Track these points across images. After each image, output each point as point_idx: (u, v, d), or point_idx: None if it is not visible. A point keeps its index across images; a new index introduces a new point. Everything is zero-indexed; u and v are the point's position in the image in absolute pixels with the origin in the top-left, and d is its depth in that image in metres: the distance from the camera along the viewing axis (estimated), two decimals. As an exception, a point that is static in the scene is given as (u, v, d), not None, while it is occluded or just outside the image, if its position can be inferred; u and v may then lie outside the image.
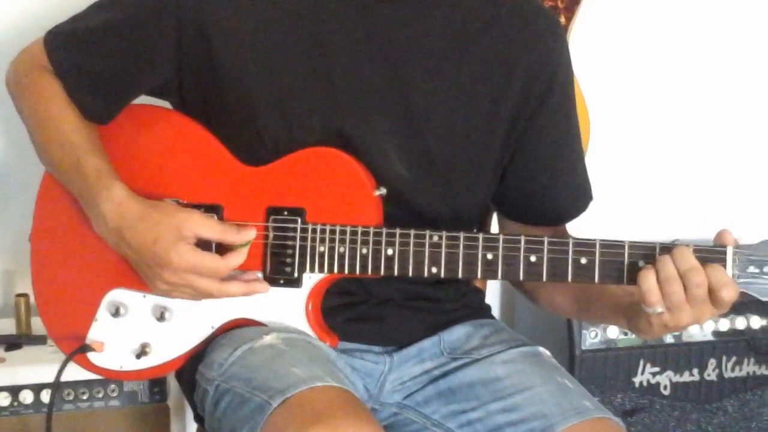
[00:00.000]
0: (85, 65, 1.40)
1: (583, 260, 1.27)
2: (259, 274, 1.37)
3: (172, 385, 1.74)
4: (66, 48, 1.41)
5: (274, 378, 1.25)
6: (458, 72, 1.39)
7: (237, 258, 1.33)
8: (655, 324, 1.25)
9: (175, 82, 1.42)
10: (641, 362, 2.00)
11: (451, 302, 1.49)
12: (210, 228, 1.32)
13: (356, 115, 1.37)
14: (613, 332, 1.98)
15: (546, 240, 1.29)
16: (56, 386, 1.46)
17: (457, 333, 1.48)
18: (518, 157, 1.44)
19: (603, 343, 1.98)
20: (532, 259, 1.29)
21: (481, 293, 1.59)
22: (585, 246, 1.27)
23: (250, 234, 1.34)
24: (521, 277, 1.29)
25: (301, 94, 1.37)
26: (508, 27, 1.40)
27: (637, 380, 2.01)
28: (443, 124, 1.40)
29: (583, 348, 1.96)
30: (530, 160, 1.45)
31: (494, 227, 1.61)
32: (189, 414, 1.70)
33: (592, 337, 1.97)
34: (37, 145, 1.44)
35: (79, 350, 1.42)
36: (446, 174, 1.42)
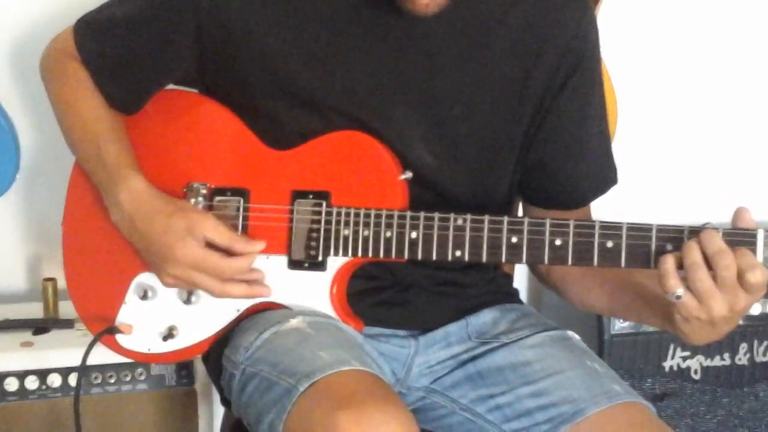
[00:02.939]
0: (111, 55, 1.41)
1: (609, 244, 1.24)
2: (283, 259, 1.36)
3: (200, 369, 1.74)
4: (93, 37, 1.42)
5: (300, 362, 1.24)
6: (483, 55, 1.37)
7: (242, 262, 1.33)
8: (685, 315, 1.20)
9: (198, 73, 1.41)
10: (671, 346, 1.98)
11: (477, 287, 1.48)
12: (219, 234, 1.32)
13: (377, 106, 1.36)
14: (643, 315, 1.96)
15: (572, 223, 1.26)
16: (83, 367, 1.46)
17: (484, 317, 1.46)
18: (540, 135, 1.42)
19: (632, 328, 1.96)
20: (557, 242, 1.26)
21: (509, 278, 1.58)
22: (611, 229, 1.25)
23: (257, 246, 1.34)
24: (546, 261, 1.27)
25: (321, 87, 1.36)
26: (533, 6, 1.38)
27: (667, 365, 1.99)
28: (469, 109, 1.38)
29: (612, 332, 1.95)
30: (551, 138, 1.42)
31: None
32: (216, 398, 1.70)
33: (621, 322, 1.95)
34: (63, 131, 1.46)
35: (106, 331, 1.43)
36: (473, 159, 1.40)
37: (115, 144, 1.37)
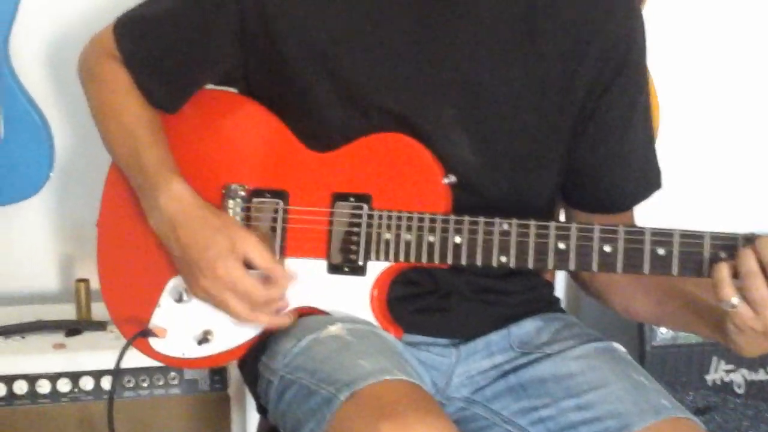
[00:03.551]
0: (152, 53, 1.39)
1: (661, 251, 1.21)
2: (322, 263, 1.33)
3: (233, 373, 1.72)
4: (133, 36, 1.40)
5: (340, 370, 1.21)
6: (528, 52, 1.34)
7: (276, 293, 1.31)
8: (739, 325, 1.17)
9: (240, 69, 1.39)
10: (714, 359, 1.94)
11: (519, 295, 1.45)
12: (260, 256, 1.29)
13: (419, 100, 1.33)
14: (686, 327, 1.92)
15: (622, 229, 1.23)
16: (117, 371, 1.43)
17: (526, 327, 1.43)
18: (584, 136, 1.39)
19: (674, 339, 1.92)
20: (607, 249, 1.23)
21: (550, 286, 1.54)
22: (663, 236, 1.21)
23: (293, 278, 1.32)
24: (594, 268, 1.24)
25: (363, 80, 1.33)
26: (580, 3, 1.35)
27: (709, 378, 1.95)
28: (512, 107, 1.35)
29: (654, 344, 1.91)
30: (595, 140, 1.39)
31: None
32: (249, 403, 1.69)
33: (663, 333, 1.91)
34: (101, 133, 1.43)
35: (140, 335, 1.40)
36: (515, 159, 1.37)
37: (154, 148, 1.35)
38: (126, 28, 1.41)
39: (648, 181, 1.44)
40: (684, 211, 2.01)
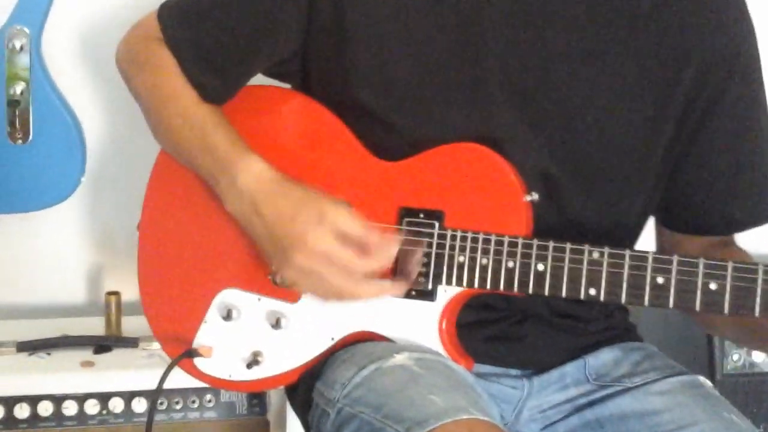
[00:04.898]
0: (201, 40, 1.28)
1: None
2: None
3: (273, 397, 1.62)
4: (180, 21, 1.29)
5: (409, 406, 1.10)
6: (623, 60, 1.24)
7: (376, 263, 1.18)
8: None
9: (298, 60, 1.29)
10: (788, 389, 1.83)
11: (596, 322, 1.34)
12: (351, 223, 1.17)
13: (503, 103, 1.24)
14: (759, 355, 1.81)
15: (730, 265, 1.12)
16: (158, 392, 1.32)
17: (603, 357, 1.32)
18: (689, 158, 1.29)
19: (747, 367, 1.80)
20: (713, 286, 1.12)
21: (626, 311, 1.43)
22: None
23: (394, 243, 1.19)
24: (698, 307, 1.13)
25: (442, 77, 1.24)
26: (682, 8, 1.25)
27: (783, 408, 1.83)
28: (602, 118, 1.25)
29: (725, 372, 1.79)
30: (703, 161, 1.29)
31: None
32: (290, 428, 1.58)
33: (735, 360, 1.79)
34: (153, 122, 1.32)
35: (186, 355, 1.30)
36: (602, 175, 1.27)
37: (222, 128, 1.25)
38: (172, 14, 1.29)
39: (760, 208, 1.33)
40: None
